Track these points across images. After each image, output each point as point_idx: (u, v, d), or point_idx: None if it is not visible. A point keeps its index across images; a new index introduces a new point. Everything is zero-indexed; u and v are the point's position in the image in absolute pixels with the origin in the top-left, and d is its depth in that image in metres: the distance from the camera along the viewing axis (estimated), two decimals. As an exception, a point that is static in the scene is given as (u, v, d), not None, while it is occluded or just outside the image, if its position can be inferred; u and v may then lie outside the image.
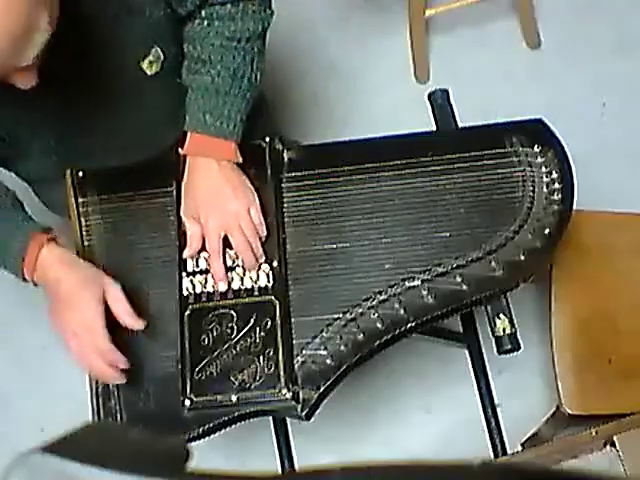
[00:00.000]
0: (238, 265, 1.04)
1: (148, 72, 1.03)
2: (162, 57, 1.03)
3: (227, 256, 1.04)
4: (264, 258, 1.04)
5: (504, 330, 1.03)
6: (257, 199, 1.04)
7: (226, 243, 1.03)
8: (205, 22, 1.02)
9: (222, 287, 1.03)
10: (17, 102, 0.96)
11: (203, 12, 1.01)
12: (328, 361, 0.99)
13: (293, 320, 1.01)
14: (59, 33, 0.82)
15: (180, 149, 1.07)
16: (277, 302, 1.01)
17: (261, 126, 1.19)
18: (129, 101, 1.08)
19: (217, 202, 1.02)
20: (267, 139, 1.09)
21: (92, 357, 0.95)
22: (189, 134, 1.03)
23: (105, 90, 1.04)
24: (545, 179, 1.04)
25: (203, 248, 1.04)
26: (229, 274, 1.03)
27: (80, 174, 1.11)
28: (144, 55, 1.01)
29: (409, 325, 1.00)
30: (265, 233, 1.04)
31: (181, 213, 1.05)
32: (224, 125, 1.01)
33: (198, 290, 1.03)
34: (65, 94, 1.01)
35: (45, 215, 1.25)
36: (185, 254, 1.04)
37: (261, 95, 1.08)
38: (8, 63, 0.78)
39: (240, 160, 1.03)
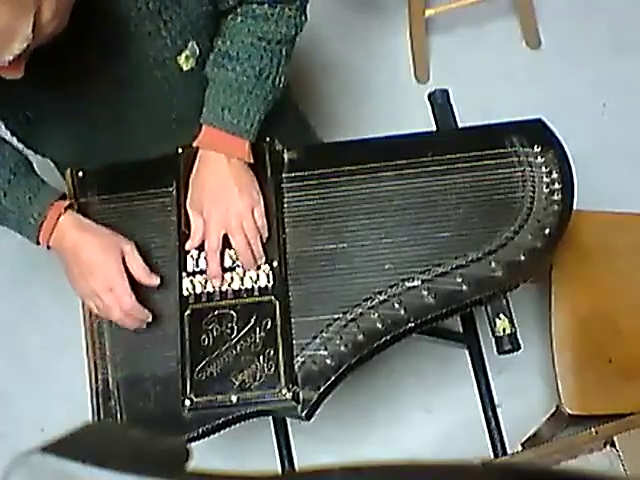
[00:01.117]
0: (238, 265, 1.03)
1: (184, 67, 1.02)
2: (198, 52, 1.03)
3: (227, 256, 1.04)
4: (264, 258, 1.04)
5: (504, 330, 1.03)
6: (262, 200, 1.04)
7: (228, 242, 1.03)
8: (239, 18, 1.01)
9: (218, 285, 1.03)
10: (45, 86, 0.97)
11: (239, 9, 1.01)
12: (328, 361, 0.99)
13: (293, 320, 1.01)
14: (94, 25, 0.80)
15: (180, 149, 1.08)
16: (277, 302, 1.01)
17: (285, 121, 1.19)
18: (161, 96, 1.06)
19: (221, 199, 1.02)
20: (267, 139, 1.09)
21: (118, 316, 0.99)
22: (204, 127, 1.02)
23: (139, 83, 1.03)
24: (545, 179, 1.04)
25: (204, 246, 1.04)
26: (229, 274, 1.03)
27: (80, 174, 1.11)
28: (181, 50, 1.01)
29: (409, 325, 1.00)
30: (267, 235, 1.04)
31: (187, 204, 1.05)
32: (241, 123, 1.01)
33: (198, 290, 1.03)
34: (97, 85, 1.00)
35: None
36: (187, 246, 1.04)
37: (285, 96, 1.07)
38: None
39: (251, 160, 1.03)
